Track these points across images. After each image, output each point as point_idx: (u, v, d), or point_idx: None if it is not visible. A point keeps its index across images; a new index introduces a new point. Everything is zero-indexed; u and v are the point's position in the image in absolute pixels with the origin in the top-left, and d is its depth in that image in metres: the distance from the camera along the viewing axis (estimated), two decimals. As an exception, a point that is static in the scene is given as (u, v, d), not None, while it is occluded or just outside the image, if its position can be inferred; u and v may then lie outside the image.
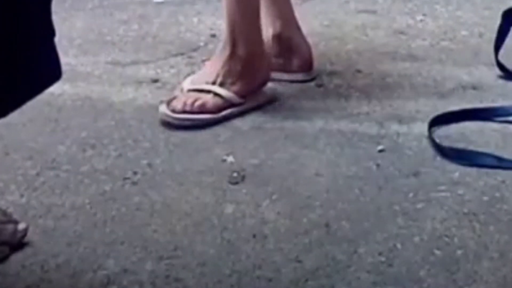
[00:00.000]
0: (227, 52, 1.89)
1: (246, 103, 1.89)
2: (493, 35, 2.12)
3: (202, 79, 1.90)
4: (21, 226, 1.44)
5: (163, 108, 1.86)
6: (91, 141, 1.81)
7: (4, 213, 1.46)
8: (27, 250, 1.43)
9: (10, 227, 1.43)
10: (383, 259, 1.40)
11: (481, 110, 1.89)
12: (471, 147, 1.74)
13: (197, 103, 1.85)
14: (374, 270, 1.37)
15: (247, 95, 1.89)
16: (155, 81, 2.07)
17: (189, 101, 1.85)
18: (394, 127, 1.85)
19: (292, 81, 2.04)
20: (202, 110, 1.85)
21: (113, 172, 1.69)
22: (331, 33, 2.42)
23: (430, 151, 1.75)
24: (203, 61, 2.12)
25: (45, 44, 1.13)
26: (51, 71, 1.16)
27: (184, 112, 1.84)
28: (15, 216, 1.47)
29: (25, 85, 1.13)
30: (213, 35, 2.31)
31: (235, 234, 1.48)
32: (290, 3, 2.05)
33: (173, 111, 1.85)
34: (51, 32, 1.14)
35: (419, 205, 1.55)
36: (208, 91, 1.87)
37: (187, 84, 1.92)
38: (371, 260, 1.40)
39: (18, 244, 1.43)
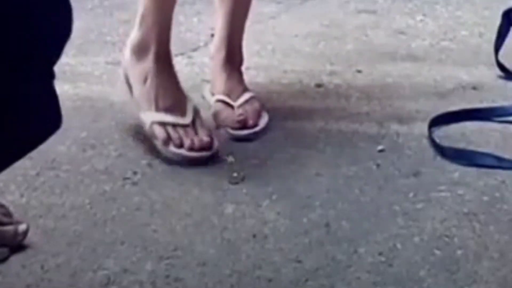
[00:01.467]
0: (238, 60, 1.90)
1: None
2: (493, 35, 2.12)
3: (234, 89, 1.86)
4: (22, 227, 1.44)
5: (234, 131, 1.79)
6: (91, 141, 1.81)
7: (7, 213, 1.45)
8: (27, 250, 1.43)
9: (10, 228, 1.43)
10: (383, 259, 1.40)
11: (481, 110, 1.89)
12: (471, 147, 1.74)
13: (258, 111, 1.83)
14: (374, 270, 1.37)
15: None
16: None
17: (253, 112, 1.82)
18: (394, 127, 1.85)
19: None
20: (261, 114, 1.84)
21: (113, 172, 1.69)
22: (331, 33, 2.42)
23: (430, 151, 1.75)
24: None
25: (42, 91, 1.02)
26: (48, 122, 1.05)
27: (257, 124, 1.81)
28: (15, 216, 1.47)
29: (16, 143, 1.03)
30: (213, 35, 2.31)
31: (235, 234, 1.48)
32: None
33: (251, 127, 1.80)
34: (50, 76, 1.03)
35: (419, 205, 1.55)
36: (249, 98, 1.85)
37: (221, 97, 1.84)
38: (371, 260, 1.40)
39: (18, 246, 1.43)
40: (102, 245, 1.45)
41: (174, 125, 1.71)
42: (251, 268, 1.39)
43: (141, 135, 1.83)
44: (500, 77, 2.09)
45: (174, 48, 2.19)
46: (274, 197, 1.59)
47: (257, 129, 1.81)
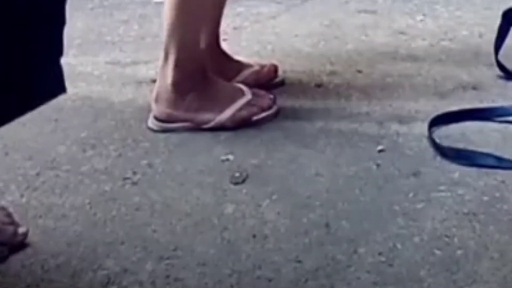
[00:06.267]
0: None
1: None
2: (493, 35, 2.12)
3: None
4: (22, 229, 1.44)
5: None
6: (91, 141, 1.81)
7: (8, 214, 1.46)
8: (27, 250, 1.43)
9: (11, 228, 1.43)
10: (383, 259, 1.40)
11: (481, 110, 1.89)
12: (471, 147, 1.74)
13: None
14: (374, 270, 1.37)
15: None
16: (155, 81, 2.06)
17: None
18: (394, 127, 1.85)
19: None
20: None
21: (113, 172, 1.69)
22: (331, 33, 2.42)
23: (430, 151, 1.75)
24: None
25: (48, 61, 1.10)
26: (49, 87, 1.12)
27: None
28: (15, 216, 1.47)
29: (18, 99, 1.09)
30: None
31: (235, 234, 1.48)
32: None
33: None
34: (58, 51, 1.11)
35: (419, 205, 1.55)
36: None
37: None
38: (371, 260, 1.40)
39: (18, 246, 1.43)
40: (102, 245, 1.45)
41: (245, 105, 1.88)
42: (251, 268, 1.39)
43: (141, 135, 1.83)
44: (500, 77, 2.09)
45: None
46: (274, 197, 1.59)
47: None
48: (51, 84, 1.12)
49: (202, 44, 1.92)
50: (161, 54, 1.86)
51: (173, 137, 1.82)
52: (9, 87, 1.06)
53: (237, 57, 2.07)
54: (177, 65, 1.83)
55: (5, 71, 1.05)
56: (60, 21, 1.09)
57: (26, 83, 1.08)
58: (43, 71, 1.09)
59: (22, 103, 1.10)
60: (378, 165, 1.70)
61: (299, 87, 2.06)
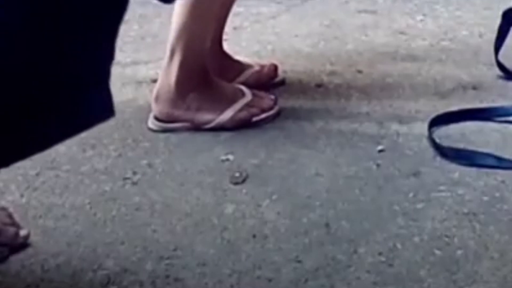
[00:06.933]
0: None
1: None
2: (493, 35, 2.12)
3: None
4: (23, 232, 1.44)
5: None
6: (91, 141, 1.81)
7: (9, 215, 1.46)
8: (27, 250, 1.43)
9: (12, 229, 1.43)
10: (383, 259, 1.40)
11: (481, 110, 1.89)
12: (471, 147, 1.74)
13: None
14: (374, 270, 1.37)
15: None
16: (155, 81, 2.06)
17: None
18: (394, 127, 1.85)
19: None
20: None
21: (113, 172, 1.69)
22: (331, 33, 2.42)
23: (430, 151, 1.75)
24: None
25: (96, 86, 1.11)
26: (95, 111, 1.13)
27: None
28: (16, 216, 1.47)
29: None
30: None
31: (235, 234, 1.48)
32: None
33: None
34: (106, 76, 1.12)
35: (419, 205, 1.55)
36: None
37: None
38: (371, 260, 1.40)
39: (18, 246, 1.43)
40: (102, 245, 1.45)
41: (245, 106, 1.88)
42: (251, 268, 1.39)
43: (141, 135, 1.83)
44: (500, 77, 2.09)
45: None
46: (274, 197, 1.59)
47: None
48: (99, 108, 1.12)
49: (207, 44, 1.93)
50: (166, 53, 1.86)
51: (173, 137, 1.82)
52: (55, 111, 1.06)
53: (237, 57, 2.07)
54: (182, 66, 1.84)
55: (52, 95, 1.05)
56: (110, 53, 1.09)
57: (72, 107, 1.08)
58: (91, 96, 1.10)
59: (67, 127, 1.10)
60: (378, 165, 1.70)
61: (299, 87, 2.06)
